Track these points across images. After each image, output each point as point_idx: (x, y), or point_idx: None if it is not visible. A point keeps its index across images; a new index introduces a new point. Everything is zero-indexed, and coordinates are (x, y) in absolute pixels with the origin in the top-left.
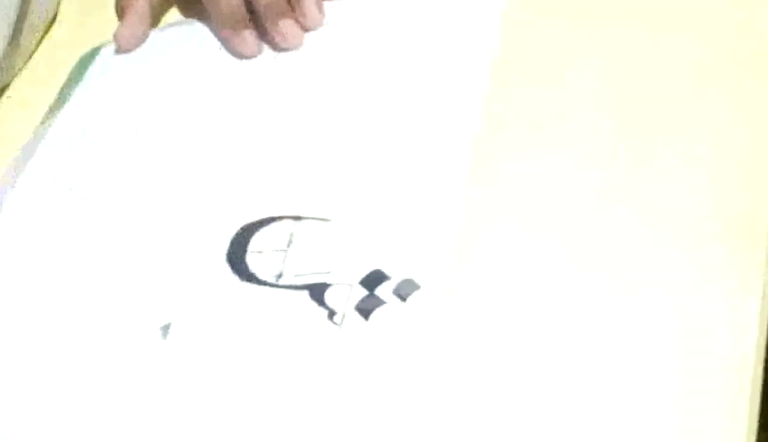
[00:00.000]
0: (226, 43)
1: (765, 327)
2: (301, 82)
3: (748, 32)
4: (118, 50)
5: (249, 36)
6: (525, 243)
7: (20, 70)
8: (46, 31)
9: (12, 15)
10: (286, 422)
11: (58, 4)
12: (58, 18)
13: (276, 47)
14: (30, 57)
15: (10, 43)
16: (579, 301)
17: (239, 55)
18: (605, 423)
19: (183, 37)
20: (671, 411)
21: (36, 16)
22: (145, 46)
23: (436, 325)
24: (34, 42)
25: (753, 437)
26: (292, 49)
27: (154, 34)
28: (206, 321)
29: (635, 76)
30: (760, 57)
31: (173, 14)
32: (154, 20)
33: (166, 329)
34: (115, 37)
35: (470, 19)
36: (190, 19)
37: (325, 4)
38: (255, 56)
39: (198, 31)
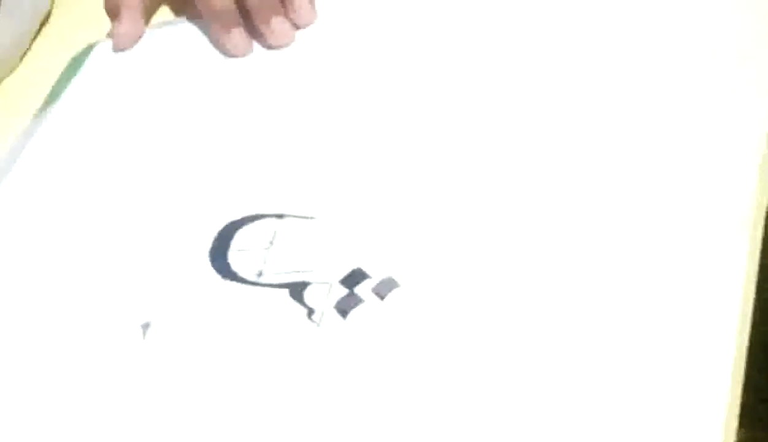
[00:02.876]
0: (216, 41)
1: (747, 323)
2: (290, 80)
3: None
4: (115, 49)
5: (239, 34)
6: (506, 239)
7: (14, 67)
8: (39, 29)
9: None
10: (265, 420)
11: (52, 1)
12: (52, 14)
13: (267, 45)
14: (24, 54)
15: (3, 41)
16: (565, 299)
17: (229, 54)
18: (583, 417)
19: (176, 35)
20: (650, 407)
21: (29, 13)
22: (138, 44)
23: (414, 323)
24: (28, 39)
25: (732, 434)
26: (282, 47)
27: (148, 33)
28: (186, 319)
29: (631, 74)
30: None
31: (165, 12)
32: (146, 19)
33: (146, 326)
34: (112, 35)
35: None
36: (182, 18)
37: (317, 2)
38: (245, 55)
39: (190, 29)
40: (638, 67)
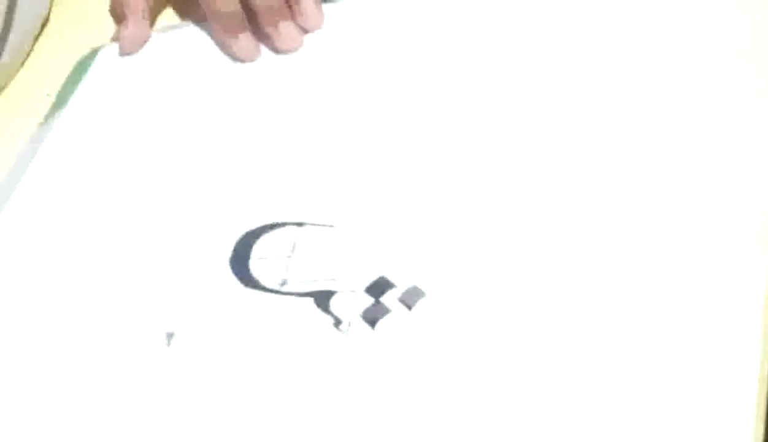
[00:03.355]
0: (222, 45)
1: None
2: (302, 85)
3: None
4: (122, 53)
5: (246, 39)
6: (531, 247)
7: (16, 71)
8: (39, 32)
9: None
10: (292, 431)
11: (51, 3)
12: (52, 15)
13: (275, 49)
14: (26, 58)
15: (3, 45)
16: (590, 310)
17: (236, 58)
18: (614, 424)
19: (184, 39)
20: (678, 412)
21: (29, 14)
22: (144, 49)
23: (444, 333)
24: (29, 42)
25: (760, 437)
26: (291, 52)
27: (154, 36)
28: (210, 328)
29: (638, 75)
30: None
31: (170, 16)
32: (151, 21)
33: (170, 335)
34: (118, 39)
35: None
36: (187, 22)
37: (324, 6)
38: (252, 59)
39: (200, 34)
40: (638, 70)
